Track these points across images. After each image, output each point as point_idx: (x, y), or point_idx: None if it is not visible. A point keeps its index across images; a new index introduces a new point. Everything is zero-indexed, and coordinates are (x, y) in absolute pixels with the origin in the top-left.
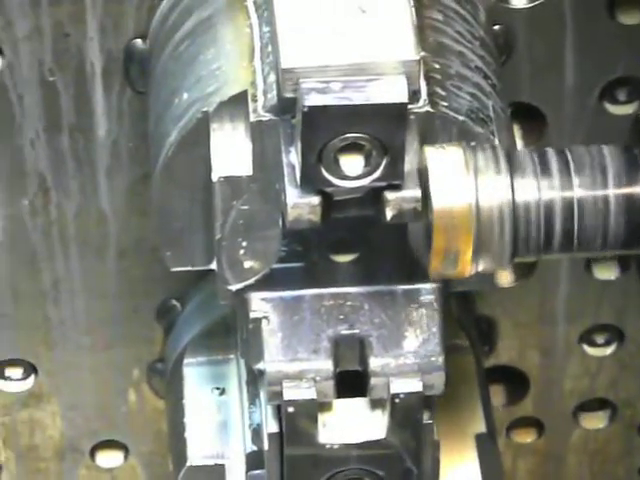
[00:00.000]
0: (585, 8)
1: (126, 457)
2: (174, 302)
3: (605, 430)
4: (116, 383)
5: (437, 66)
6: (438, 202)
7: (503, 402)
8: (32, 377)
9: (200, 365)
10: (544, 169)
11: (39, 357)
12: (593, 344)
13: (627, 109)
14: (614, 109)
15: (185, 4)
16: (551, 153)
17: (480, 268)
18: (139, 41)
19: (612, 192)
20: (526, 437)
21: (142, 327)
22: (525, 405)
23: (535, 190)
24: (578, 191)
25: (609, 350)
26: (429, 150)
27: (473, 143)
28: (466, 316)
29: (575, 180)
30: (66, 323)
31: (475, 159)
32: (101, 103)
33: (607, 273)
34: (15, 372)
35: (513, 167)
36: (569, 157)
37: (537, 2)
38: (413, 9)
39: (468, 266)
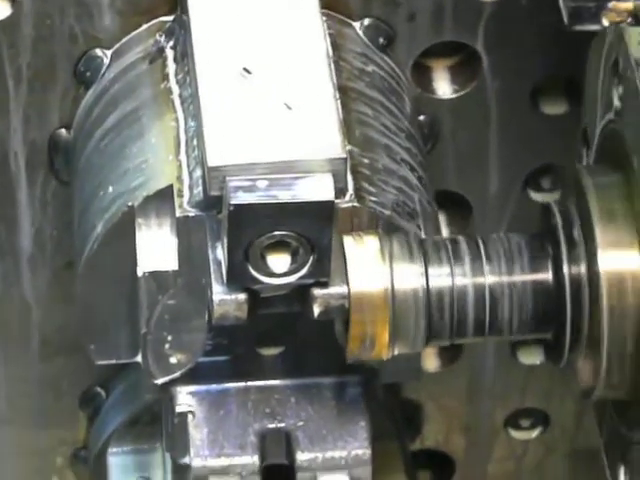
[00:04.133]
0: (509, 98)
1: None
2: (98, 389)
3: None
4: (39, 470)
5: (365, 160)
6: (355, 288)
7: None
8: None
9: (125, 454)
10: (457, 257)
11: None
12: (518, 427)
13: (551, 197)
14: (538, 197)
15: (111, 96)
16: (463, 241)
17: (396, 352)
18: (63, 131)
19: (520, 278)
20: None
21: (65, 414)
22: None
23: (448, 277)
24: (489, 278)
25: (534, 433)
26: (347, 239)
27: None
28: (392, 401)
29: (486, 267)
30: None
31: (390, 247)
32: (25, 194)
33: (532, 358)
34: None
35: (427, 255)
36: (480, 245)
37: (462, 93)
38: (339, 104)
39: (384, 350)
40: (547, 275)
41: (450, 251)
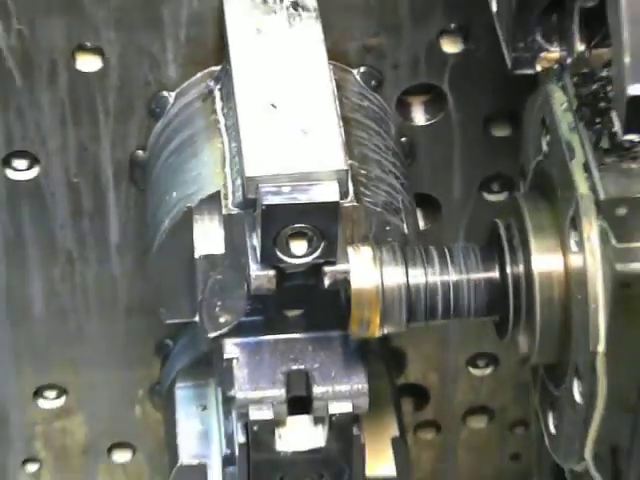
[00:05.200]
0: (468, 124)
1: (134, 454)
2: (168, 341)
3: (485, 429)
4: (126, 401)
5: (362, 171)
6: (354, 285)
7: (411, 410)
8: (64, 397)
9: (188, 388)
10: (429, 261)
11: (69, 382)
12: (476, 367)
13: (499, 197)
14: (490, 197)
15: (173, 126)
16: (433, 249)
17: (385, 331)
18: (140, 152)
19: (475, 276)
20: (428, 435)
21: (145, 359)
22: (427, 412)
23: (423, 276)
24: (452, 276)
25: (488, 371)
26: (349, 249)
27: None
28: (383, 348)
29: (450, 268)
30: (88, 358)
31: (380, 255)
32: (113, 198)
33: None
34: (51, 394)
35: (407, 259)
36: (446, 252)
37: (432, 121)
38: (342, 130)
39: (377, 330)
40: (495, 274)
41: (424, 256)
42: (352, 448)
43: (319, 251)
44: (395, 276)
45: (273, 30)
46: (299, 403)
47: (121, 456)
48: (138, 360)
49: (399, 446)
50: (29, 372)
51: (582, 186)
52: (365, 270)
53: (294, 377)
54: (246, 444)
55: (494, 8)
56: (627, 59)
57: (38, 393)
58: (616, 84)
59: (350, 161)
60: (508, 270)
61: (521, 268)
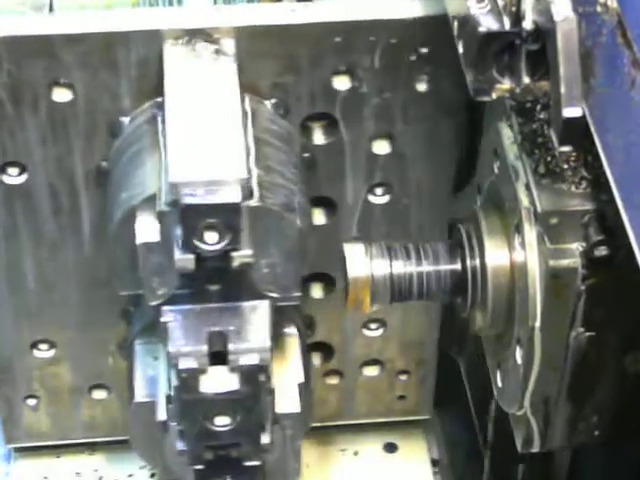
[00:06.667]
0: (356, 145)
1: (109, 393)
2: (130, 308)
3: (378, 376)
4: (101, 353)
5: (267, 179)
6: (351, 274)
7: (320, 361)
8: (53, 349)
9: (144, 344)
10: (407, 255)
11: (57, 338)
12: (369, 329)
13: (383, 199)
14: (374, 199)
15: (127, 142)
16: (410, 246)
17: (374, 308)
18: (104, 162)
19: (442, 267)
20: (333, 381)
21: (114, 322)
22: (333, 363)
23: (402, 267)
24: (425, 267)
25: (379, 333)
26: (346, 245)
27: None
28: (296, 316)
29: (423, 261)
30: (71, 320)
31: (371, 250)
32: (84, 198)
33: None
34: (44, 346)
35: (390, 254)
36: (420, 248)
37: (329, 141)
38: (248, 146)
39: (368, 307)
40: (458, 266)
41: (404, 252)
42: (259, 391)
43: (227, 240)
44: (382, 267)
45: (199, 70)
46: (218, 356)
47: (98, 394)
48: (109, 322)
49: (303, 390)
50: (26, 330)
51: (524, 201)
52: (359, 262)
53: (214, 336)
54: (179, 387)
55: (460, 50)
56: (563, 89)
57: (34, 346)
58: (554, 108)
59: (258, 170)
60: (468, 263)
61: (477, 262)
